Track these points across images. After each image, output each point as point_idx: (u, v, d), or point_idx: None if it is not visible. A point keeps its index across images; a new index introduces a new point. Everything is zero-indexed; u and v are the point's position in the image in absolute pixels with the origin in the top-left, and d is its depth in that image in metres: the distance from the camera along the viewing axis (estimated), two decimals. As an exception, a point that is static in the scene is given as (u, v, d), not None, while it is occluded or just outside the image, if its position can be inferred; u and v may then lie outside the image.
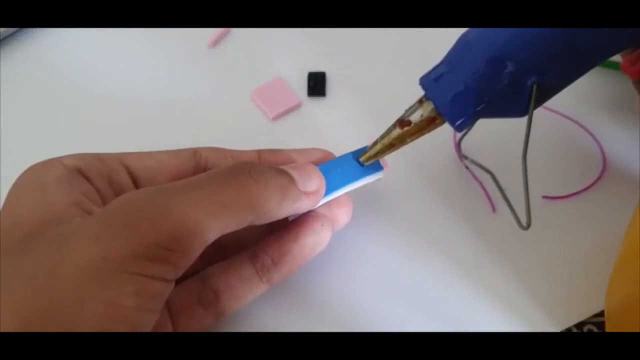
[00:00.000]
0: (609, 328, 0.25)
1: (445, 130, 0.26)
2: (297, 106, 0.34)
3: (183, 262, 0.20)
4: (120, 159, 0.24)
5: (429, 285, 0.28)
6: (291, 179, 0.23)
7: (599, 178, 0.31)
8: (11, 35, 0.37)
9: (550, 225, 0.30)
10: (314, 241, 0.26)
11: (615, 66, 0.34)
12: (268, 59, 0.36)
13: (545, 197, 0.31)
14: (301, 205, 0.24)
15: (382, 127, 0.26)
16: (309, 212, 0.26)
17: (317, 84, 0.35)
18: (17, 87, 0.36)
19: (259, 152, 0.26)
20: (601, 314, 0.27)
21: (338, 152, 0.28)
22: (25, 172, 0.22)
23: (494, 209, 0.31)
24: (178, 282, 0.25)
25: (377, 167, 0.27)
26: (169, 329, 0.24)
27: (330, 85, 0.35)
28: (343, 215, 0.27)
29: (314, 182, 0.24)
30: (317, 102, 0.35)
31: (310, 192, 0.24)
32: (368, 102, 0.34)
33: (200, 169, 0.25)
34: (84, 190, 0.22)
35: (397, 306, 0.28)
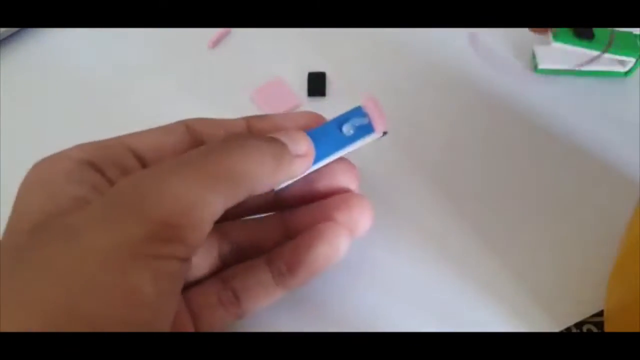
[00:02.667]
0: (608, 328, 0.25)
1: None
2: (297, 106, 0.35)
3: (193, 238, 0.19)
4: (124, 142, 0.23)
5: (428, 285, 0.28)
6: (282, 144, 0.23)
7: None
8: (11, 35, 0.37)
9: (550, 225, 0.30)
10: (329, 251, 0.25)
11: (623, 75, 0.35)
12: (268, 59, 0.36)
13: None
14: (294, 169, 0.23)
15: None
16: (326, 220, 0.25)
17: (317, 84, 0.35)
18: (17, 87, 0.36)
19: (247, 119, 0.26)
20: (601, 313, 0.27)
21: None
22: (33, 168, 0.22)
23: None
24: (198, 283, 0.25)
25: (367, 129, 0.25)
26: (190, 329, 0.24)
27: (330, 85, 0.35)
28: (363, 222, 0.26)
29: (303, 145, 0.24)
30: (317, 102, 0.35)
31: (301, 154, 0.23)
32: (368, 102, 0.34)
33: (198, 143, 0.25)
34: (93, 182, 0.21)
35: (396, 306, 0.28)
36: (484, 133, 0.32)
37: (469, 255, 0.29)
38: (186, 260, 0.20)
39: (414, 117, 0.33)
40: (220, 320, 0.25)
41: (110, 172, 0.22)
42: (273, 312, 0.27)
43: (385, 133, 0.25)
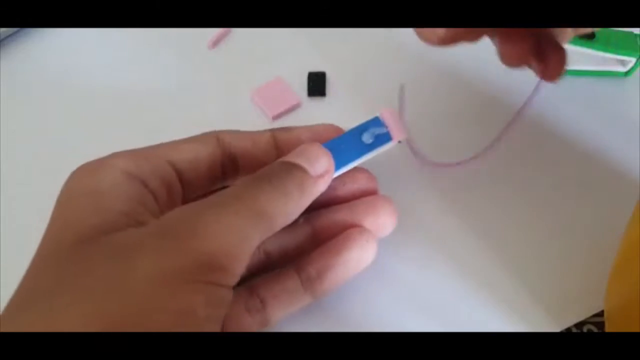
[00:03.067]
0: (608, 328, 0.25)
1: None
2: (297, 106, 0.35)
3: (238, 269, 0.21)
4: (162, 154, 0.24)
5: (428, 285, 0.28)
6: (303, 170, 0.24)
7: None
8: (11, 35, 0.37)
9: (550, 225, 0.30)
10: (359, 257, 0.26)
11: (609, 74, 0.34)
12: (268, 59, 0.36)
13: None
14: (317, 190, 0.24)
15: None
16: (355, 225, 0.27)
17: (317, 84, 0.35)
18: (17, 87, 0.36)
19: (272, 132, 0.27)
20: (601, 313, 0.27)
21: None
22: (76, 175, 0.23)
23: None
24: None
25: (385, 138, 0.27)
26: None
27: (330, 85, 0.35)
28: (390, 225, 0.27)
29: (322, 163, 0.25)
30: (317, 102, 0.35)
31: (320, 174, 0.24)
32: (368, 102, 0.34)
33: (227, 154, 0.26)
34: (139, 197, 0.22)
35: (396, 306, 0.28)
36: (484, 133, 0.32)
37: (469, 255, 0.29)
38: (231, 287, 0.21)
39: (414, 117, 0.33)
40: (247, 328, 0.25)
41: (153, 184, 0.23)
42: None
43: (400, 141, 0.27)
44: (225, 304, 0.21)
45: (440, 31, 0.24)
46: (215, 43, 0.37)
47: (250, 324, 0.25)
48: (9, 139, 0.34)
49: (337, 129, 0.28)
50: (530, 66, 0.27)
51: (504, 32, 0.26)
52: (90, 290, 0.19)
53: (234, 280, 0.21)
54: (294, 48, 0.37)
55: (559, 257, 0.29)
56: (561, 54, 0.26)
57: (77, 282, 0.19)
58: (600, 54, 0.33)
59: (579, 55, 0.33)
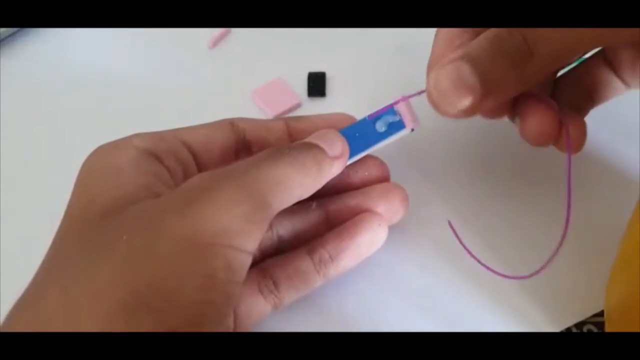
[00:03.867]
0: (608, 328, 0.25)
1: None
2: (297, 106, 0.35)
3: (258, 234, 0.21)
4: (177, 135, 0.25)
5: (428, 286, 0.28)
6: (321, 149, 0.24)
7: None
8: (11, 35, 0.37)
9: (550, 225, 0.30)
10: (371, 240, 0.27)
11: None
12: (268, 59, 0.36)
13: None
14: (334, 170, 0.25)
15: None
16: (368, 210, 0.27)
17: (317, 84, 0.35)
18: (17, 87, 0.36)
19: (286, 120, 0.28)
20: (601, 314, 0.27)
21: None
22: (95, 154, 0.23)
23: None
24: None
25: (398, 126, 0.27)
26: (230, 317, 0.24)
27: (330, 85, 0.35)
28: (402, 211, 0.28)
29: (339, 145, 0.25)
30: (317, 102, 0.35)
31: (337, 155, 0.25)
32: (368, 102, 0.34)
33: (241, 140, 0.27)
34: (156, 171, 0.23)
35: (396, 306, 0.28)
36: (484, 133, 0.32)
37: (468, 255, 0.29)
38: (250, 253, 0.21)
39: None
40: (258, 309, 0.25)
41: (168, 161, 0.24)
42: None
43: (413, 129, 0.27)
44: (244, 268, 0.21)
45: (462, 104, 0.23)
46: (215, 43, 0.37)
47: (263, 305, 0.25)
48: (9, 139, 0.34)
49: (350, 118, 0.28)
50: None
51: (525, 110, 0.26)
52: (119, 256, 0.19)
53: (253, 245, 0.21)
54: (294, 48, 0.37)
55: (559, 257, 0.29)
56: (581, 124, 0.27)
57: (106, 249, 0.20)
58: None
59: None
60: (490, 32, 0.23)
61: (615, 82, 0.28)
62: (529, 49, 0.22)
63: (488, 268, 0.27)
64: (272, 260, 0.26)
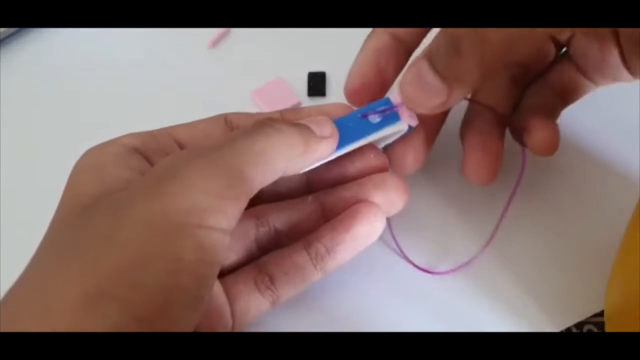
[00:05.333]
0: (608, 328, 0.25)
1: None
2: (297, 106, 0.35)
3: (235, 212, 0.21)
4: (170, 133, 0.25)
5: (428, 285, 0.28)
6: (308, 127, 0.24)
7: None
8: (11, 35, 0.37)
9: (550, 225, 0.30)
10: (368, 231, 0.26)
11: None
12: (268, 59, 0.36)
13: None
14: (322, 150, 0.24)
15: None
16: (364, 200, 0.26)
17: (317, 84, 0.35)
18: (17, 87, 0.36)
19: (281, 112, 0.27)
20: (601, 314, 0.27)
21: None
22: (85, 154, 0.23)
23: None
24: (235, 269, 0.26)
25: (393, 118, 0.26)
26: (227, 313, 0.25)
27: (330, 85, 0.35)
28: (399, 202, 0.27)
29: (327, 127, 0.25)
30: (317, 101, 0.35)
31: (326, 135, 0.24)
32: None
33: None
34: (140, 167, 0.23)
35: (395, 306, 0.28)
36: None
37: (469, 255, 0.29)
38: (227, 231, 0.20)
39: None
40: (256, 306, 0.25)
41: (156, 158, 0.24)
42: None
43: (411, 127, 0.26)
44: (219, 247, 0.20)
45: (431, 103, 0.24)
46: (215, 43, 0.37)
47: (260, 302, 0.25)
48: (9, 139, 0.34)
49: (348, 107, 0.27)
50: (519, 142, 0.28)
51: (470, 143, 0.28)
52: (84, 248, 0.19)
53: (229, 223, 0.20)
54: (294, 48, 0.37)
55: (559, 257, 0.29)
56: (549, 128, 0.27)
57: (76, 243, 0.20)
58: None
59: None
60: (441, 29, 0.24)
61: (583, 82, 0.29)
62: (478, 36, 0.22)
63: (410, 262, 0.28)
64: (268, 256, 0.26)
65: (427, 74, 0.24)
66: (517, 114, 0.29)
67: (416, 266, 0.28)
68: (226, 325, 0.25)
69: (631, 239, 0.23)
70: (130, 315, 0.18)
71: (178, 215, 0.19)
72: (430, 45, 0.24)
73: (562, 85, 0.29)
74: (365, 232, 0.26)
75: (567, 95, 0.29)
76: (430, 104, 0.24)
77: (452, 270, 0.29)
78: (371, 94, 0.28)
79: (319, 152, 0.24)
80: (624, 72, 0.27)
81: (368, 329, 0.27)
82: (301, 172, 0.24)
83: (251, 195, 0.21)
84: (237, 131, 0.23)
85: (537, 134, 0.27)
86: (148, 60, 0.37)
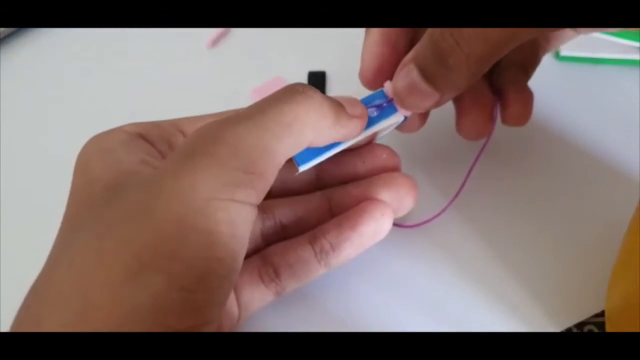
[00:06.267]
0: (609, 328, 0.25)
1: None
2: (297, 106, 0.34)
3: (262, 186, 0.20)
4: (175, 124, 0.25)
5: (428, 285, 0.28)
6: (339, 102, 0.24)
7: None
8: (11, 35, 0.37)
9: (550, 225, 0.30)
10: (374, 230, 0.26)
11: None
12: (268, 58, 0.36)
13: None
14: (351, 128, 0.24)
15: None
16: (372, 198, 0.26)
17: (317, 84, 0.35)
18: (17, 87, 0.36)
19: None
20: (602, 314, 0.27)
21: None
22: (89, 142, 0.23)
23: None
24: None
25: (390, 110, 0.26)
26: (233, 302, 0.25)
27: (330, 85, 0.35)
28: (408, 201, 0.27)
29: (358, 107, 0.24)
30: (317, 102, 0.35)
31: (357, 115, 0.24)
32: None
33: None
34: (147, 151, 0.23)
35: (395, 306, 0.28)
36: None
37: (469, 255, 0.29)
38: (255, 206, 0.20)
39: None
40: (260, 296, 0.25)
41: (160, 145, 0.24)
42: (273, 312, 0.27)
43: (405, 118, 0.26)
44: (248, 222, 0.20)
45: (424, 105, 0.25)
46: (215, 42, 0.37)
47: (264, 293, 0.25)
48: (9, 139, 0.34)
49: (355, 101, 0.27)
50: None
51: (463, 105, 0.28)
52: (119, 221, 0.19)
53: (258, 197, 0.20)
54: (294, 48, 0.37)
55: (560, 257, 0.29)
56: (522, 97, 0.28)
57: (108, 218, 0.19)
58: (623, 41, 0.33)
59: (600, 42, 0.33)
60: (427, 33, 0.24)
61: (541, 44, 0.29)
62: (462, 50, 0.22)
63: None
64: (273, 247, 0.26)
65: (418, 80, 0.24)
66: (494, 73, 0.29)
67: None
68: (233, 313, 0.25)
69: (632, 239, 0.23)
70: (172, 286, 0.18)
71: (210, 191, 0.19)
72: (417, 48, 0.24)
73: (521, 52, 0.29)
74: (371, 230, 0.26)
75: (527, 62, 0.29)
76: (423, 105, 0.25)
77: (419, 224, 0.29)
78: (389, 74, 0.27)
79: (348, 129, 0.24)
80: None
81: (367, 328, 0.27)
82: (324, 144, 0.24)
83: (280, 167, 0.21)
84: (266, 99, 0.22)
85: (512, 107, 0.27)
86: (148, 60, 0.37)
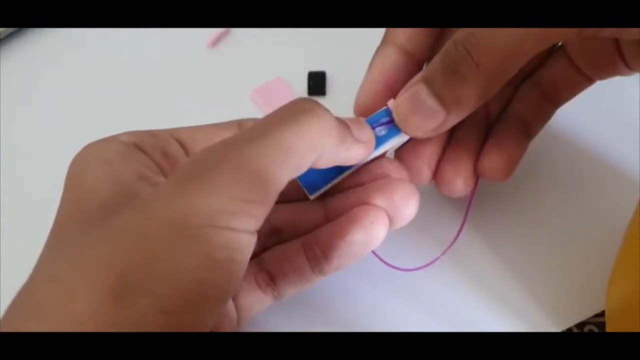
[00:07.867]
0: (609, 328, 0.25)
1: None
2: (297, 106, 0.34)
3: (262, 213, 0.20)
4: (171, 133, 0.24)
5: (428, 286, 0.28)
6: (346, 124, 0.23)
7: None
8: (11, 35, 0.37)
9: (550, 225, 0.30)
10: (363, 239, 0.24)
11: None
12: (268, 58, 0.36)
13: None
14: (355, 152, 0.23)
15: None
16: (365, 204, 0.25)
17: (317, 84, 0.35)
18: (17, 87, 0.36)
19: None
20: (602, 314, 0.27)
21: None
22: (83, 150, 0.23)
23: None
24: None
25: (393, 132, 0.25)
26: (232, 307, 0.25)
27: (330, 84, 0.35)
28: (406, 209, 0.25)
29: (366, 132, 0.24)
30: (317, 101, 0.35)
31: (363, 140, 0.23)
32: (368, 102, 0.34)
33: None
34: (144, 162, 0.22)
35: (395, 306, 0.28)
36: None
37: (469, 255, 0.29)
38: (255, 232, 0.20)
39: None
40: (258, 301, 0.25)
41: (154, 154, 0.23)
42: (272, 312, 0.27)
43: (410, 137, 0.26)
44: (247, 248, 0.20)
45: (427, 127, 0.24)
46: (215, 42, 0.37)
47: (262, 298, 0.25)
48: (9, 139, 0.34)
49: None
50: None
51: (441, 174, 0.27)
52: (110, 240, 0.19)
53: (257, 223, 0.20)
54: (294, 48, 0.37)
55: (560, 258, 0.29)
56: (508, 151, 0.26)
57: (99, 235, 0.19)
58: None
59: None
60: (442, 49, 0.23)
61: (578, 78, 0.28)
62: (474, 61, 0.22)
63: (383, 261, 0.27)
64: (269, 253, 0.26)
65: (425, 97, 0.23)
66: (500, 121, 0.28)
67: (387, 264, 0.27)
68: (232, 319, 0.25)
69: (632, 239, 0.23)
70: (158, 308, 0.18)
71: (206, 218, 0.19)
72: (427, 69, 0.24)
73: (554, 82, 0.28)
74: (360, 240, 0.24)
75: (559, 94, 0.28)
76: (426, 127, 0.24)
77: (419, 268, 0.27)
78: (393, 93, 0.26)
79: (351, 153, 0.23)
80: (621, 67, 0.26)
81: (367, 329, 0.27)
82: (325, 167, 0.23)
83: (280, 191, 0.21)
84: (270, 118, 0.21)
85: (489, 158, 0.26)
86: (148, 60, 0.37)
